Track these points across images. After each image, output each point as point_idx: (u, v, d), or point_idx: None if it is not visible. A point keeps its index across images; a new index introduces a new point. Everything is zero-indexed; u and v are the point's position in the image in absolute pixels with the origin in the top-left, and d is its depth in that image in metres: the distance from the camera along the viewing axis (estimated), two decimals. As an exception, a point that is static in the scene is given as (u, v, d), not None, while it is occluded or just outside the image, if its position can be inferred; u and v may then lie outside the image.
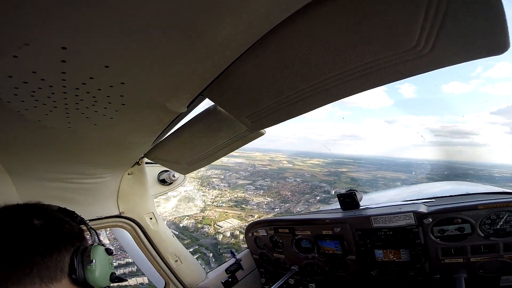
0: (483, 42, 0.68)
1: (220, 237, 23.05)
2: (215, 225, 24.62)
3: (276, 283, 2.06)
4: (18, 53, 0.58)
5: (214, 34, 0.63)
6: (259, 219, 2.45)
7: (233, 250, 2.44)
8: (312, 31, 0.71)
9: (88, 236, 1.08)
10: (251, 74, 0.90)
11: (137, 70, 0.71)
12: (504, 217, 1.53)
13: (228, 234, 23.38)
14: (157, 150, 1.49)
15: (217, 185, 32.77)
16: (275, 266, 2.45)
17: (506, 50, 0.68)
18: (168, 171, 2.10)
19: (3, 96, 0.74)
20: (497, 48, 0.68)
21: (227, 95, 1.02)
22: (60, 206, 1.07)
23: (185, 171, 1.86)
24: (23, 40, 0.56)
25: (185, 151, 1.55)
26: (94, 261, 0.96)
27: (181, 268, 2.15)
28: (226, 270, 2.26)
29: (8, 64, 0.61)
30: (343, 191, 2.09)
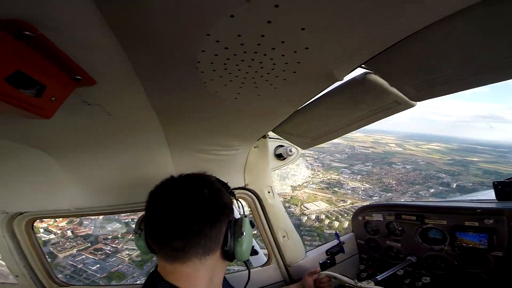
0: None
1: (305, 219, 22.81)
2: (301, 206, 24.41)
3: (388, 271, 1.91)
4: (237, 12, 0.56)
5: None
6: (375, 203, 2.27)
7: (338, 232, 2.36)
8: None
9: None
10: (439, 41, 0.79)
11: (326, 34, 0.67)
12: None
13: (313, 217, 23.06)
14: (287, 123, 1.50)
15: (311, 164, 32.06)
16: (384, 254, 2.28)
17: None
18: (283, 146, 2.14)
19: (201, 65, 0.75)
20: None
21: (396, 62, 0.92)
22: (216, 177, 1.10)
23: (306, 145, 1.86)
24: None
25: (315, 124, 1.52)
26: (244, 234, 0.96)
27: (286, 244, 2.19)
28: (327, 252, 2.20)
29: (222, 25, 0.60)
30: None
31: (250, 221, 1.03)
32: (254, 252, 1.05)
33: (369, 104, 1.25)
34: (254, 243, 2.53)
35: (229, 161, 1.81)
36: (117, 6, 0.53)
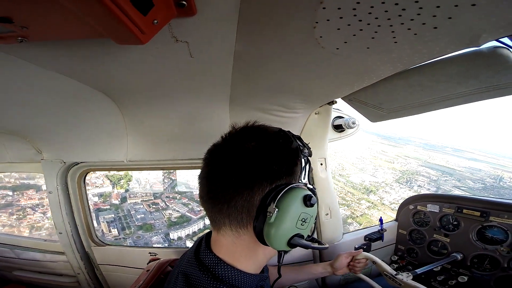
0: None
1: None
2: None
3: (429, 265, 1.83)
4: None
5: None
6: (431, 193, 2.12)
7: (382, 218, 2.25)
8: None
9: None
10: None
11: None
12: None
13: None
14: (364, 90, 1.33)
15: (419, 186, 25.81)
16: (426, 248, 2.17)
17: None
18: (343, 117, 1.99)
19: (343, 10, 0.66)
20: None
21: None
22: (282, 128, 0.85)
23: (379, 118, 1.69)
24: None
25: (403, 95, 1.35)
26: (276, 211, 0.68)
27: (327, 223, 2.12)
28: (365, 237, 2.13)
29: None
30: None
31: (306, 196, 0.72)
32: (297, 245, 0.73)
33: (482, 80, 1.10)
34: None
35: (287, 123, 1.69)
36: None
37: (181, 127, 1.63)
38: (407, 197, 2.31)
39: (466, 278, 1.91)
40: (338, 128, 2.01)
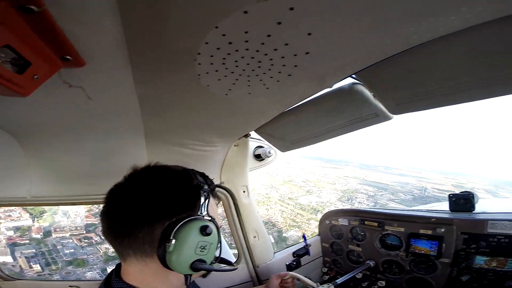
0: None
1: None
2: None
3: (348, 275, 2.03)
4: (252, 8, 0.56)
5: (426, 17, 0.62)
6: (341, 208, 2.41)
7: (306, 235, 2.46)
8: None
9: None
10: (428, 58, 0.86)
11: (329, 42, 0.70)
12: None
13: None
14: (269, 124, 1.54)
15: (359, 202, 28.23)
16: (345, 258, 2.41)
17: None
18: (263, 147, 2.18)
19: (200, 57, 0.75)
20: None
21: (384, 75, 1.00)
22: (186, 167, 0.94)
23: (286, 148, 1.92)
24: None
25: (297, 129, 1.58)
26: (174, 240, 0.76)
27: (256, 245, 2.24)
28: (294, 253, 2.31)
29: (232, 20, 0.60)
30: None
31: (203, 227, 0.80)
32: (200, 269, 0.80)
33: (350, 113, 1.32)
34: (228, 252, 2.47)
35: (207, 157, 1.79)
36: None
37: (93, 162, 1.58)
38: (323, 214, 2.56)
39: (384, 283, 2.15)
40: (259, 157, 2.19)
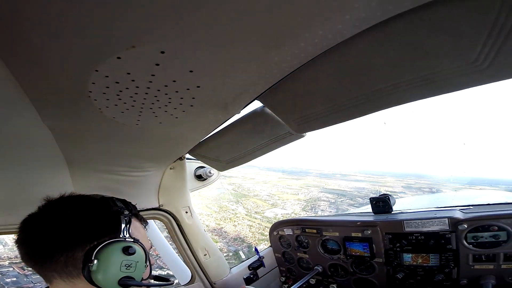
0: None
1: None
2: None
3: (299, 282, 2.11)
4: (123, 55, 0.62)
5: (291, 45, 0.69)
6: (285, 219, 2.52)
7: (257, 248, 2.51)
8: (376, 47, 0.76)
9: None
10: (308, 81, 0.95)
11: (214, 75, 0.76)
12: None
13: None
14: (201, 147, 1.59)
15: (322, 210, 29.31)
16: (297, 266, 2.50)
17: None
18: (204, 167, 2.21)
19: (93, 94, 0.79)
20: None
21: (279, 99, 1.08)
22: (104, 195, 0.97)
23: (222, 168, 1.97)
24: (131, 42, 0.58)
25: (227, 150, 1.64)
26: (96, 261, 0.81)
27: (208, 262, 2.24)
28: (249, 267, 2.35)
29: (109, 64, 0.65)
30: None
31: (126, 247, 0.85)
32: (129, 285, 0.84)
33: (267, 134, 1.42)
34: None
35: (141, 182, 1.78)
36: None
37: (9, 192, 1.46)
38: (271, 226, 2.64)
39: (335, 286, 2.25)
40: (200, 177, 2.22)
